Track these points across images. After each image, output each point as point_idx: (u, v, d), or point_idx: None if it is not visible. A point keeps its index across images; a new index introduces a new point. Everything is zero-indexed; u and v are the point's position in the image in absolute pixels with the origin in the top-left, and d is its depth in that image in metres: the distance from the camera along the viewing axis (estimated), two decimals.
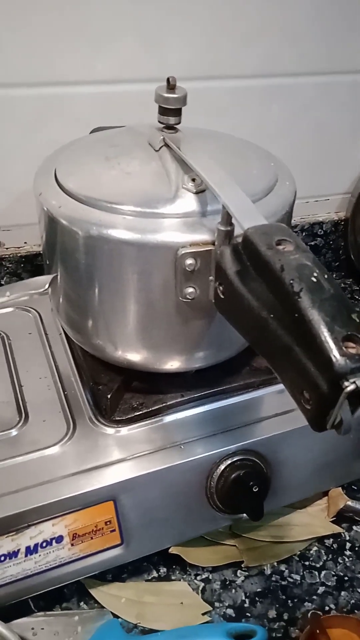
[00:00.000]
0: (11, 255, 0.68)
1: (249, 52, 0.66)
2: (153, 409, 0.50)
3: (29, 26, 0.57)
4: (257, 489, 0.47)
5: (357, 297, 0.86)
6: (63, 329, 0.58)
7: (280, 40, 0.67)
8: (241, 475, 0.47)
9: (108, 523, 0.45)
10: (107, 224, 0.41)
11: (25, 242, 0.69)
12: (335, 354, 0.28)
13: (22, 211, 0.66)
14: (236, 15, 0.64)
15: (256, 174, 0.47)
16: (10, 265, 0.69)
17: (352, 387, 0.27)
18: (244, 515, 0.49)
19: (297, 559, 0.51)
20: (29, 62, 0.59)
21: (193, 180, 0.43)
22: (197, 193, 0.42)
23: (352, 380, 0.28)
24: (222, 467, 0.47)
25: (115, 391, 0.50)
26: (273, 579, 0.50)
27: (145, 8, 0.60)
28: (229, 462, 0.47)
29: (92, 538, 0.44)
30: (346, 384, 0.28)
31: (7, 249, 0.68)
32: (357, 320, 0.29)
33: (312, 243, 0.84)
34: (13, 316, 0.61)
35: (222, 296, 0.39)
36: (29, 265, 0.69)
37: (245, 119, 0.71)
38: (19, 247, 0.69)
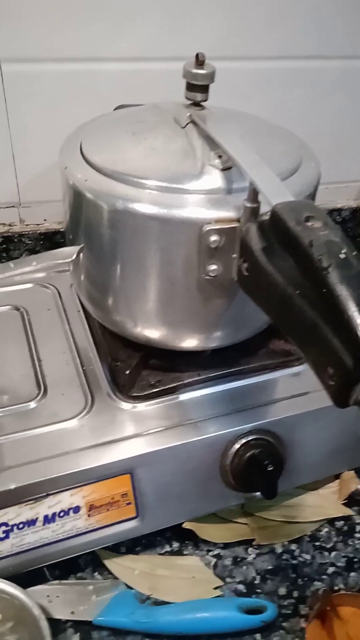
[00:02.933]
0: (30, 232, 0.69)
1: (272, 34, 0.66)
2: (170, 386, 0.50)
3: (54, 1, 0.57)
4: (271, 468, 0.47)
5: None
6: (82, 306, 0.58)
7: (303, 23, 0.66)
8: (256, 454, 0.47)
9: (124, 496, 0.45)
10: (133, 198, 0.41)
11: (44, 220, 0.69)
12: None
13: (42, 188, 0.66)
14: None
15: (282, 153, 0.47)
16: (29, 242, 0.69)
17: None
18: (257, 493, 0.49)
19: (308, 539, 0.52)
20: (53, 37, 0.59)
21: (219, 157, 0.43)
22: (223, 170, 0.42)
23: None
24: (237, 445, 0.48)
25: (133, 367, 0.51)
26: (284, 557, 0.50)
27: None
28: (244, 441, 0.48)
29: (108, 510, 0.45)
30: None
31: (26, 225, 0.69)
32: None
33: None
34: (32, 292, 0.62)
35: (246, 273, 0.39)
36: (48, 243, 0.69)
37: (266, 101, 0.70)
38: (38, 224, 0.69)
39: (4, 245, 0.68)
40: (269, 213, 0.35)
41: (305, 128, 0.73)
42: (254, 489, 0.49)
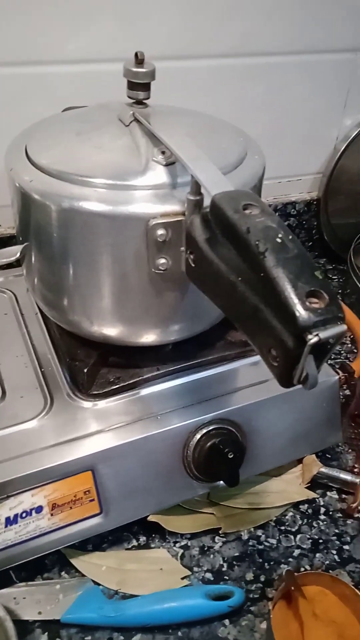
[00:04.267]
0: None
1: (226, 31, 0.66)
2: (129, 382, 0.51)
3: (4, 4, 0.57)
4: (232, 456, 0.48)
5: (330, 276, 0.87)
6: (39, 308, 0.58)
7: (257, 19, 0.67)
8: (216, 443, 0.48)
9: (87, 493, 0.45)
10: (79, 197, 0.42)
11: None
12: (298, 308, 0.29)
13: None
14: None
15: (225, 147, 0.48)
16: None
17: (315, 339, 0.29)
18: (221, 482, 0.50)
19: (273, 524, 0.53)
20: (4, 40, 0.59)
21: (163, 153, 0.43)
22: (166, 165, 0.43)
23: (315, 334, 0.29)
24: (197, 436, 0.48)
25: (91, 366, 0.51)
26: (250, 543, 0.51)
27: None
28: (204, 431, 0.49)
29: (71, 508, 0.45)
30: (310, 337, 0.29)
31: None
32: (320, 277, 0.30)
33: (286, 223, 0.85)
34: None
35: (192, 265, 0.40)
36: (3, 247, 0.68)
37: (223, 98, 0.71)
38: None
39: None
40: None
41: (261, 122, 0.75)
42: (216, 477, 0.50)
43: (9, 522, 0.43)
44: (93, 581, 0.47)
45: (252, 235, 0.32)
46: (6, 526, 0.43)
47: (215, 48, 0.68)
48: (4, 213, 0.67)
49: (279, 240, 0.32)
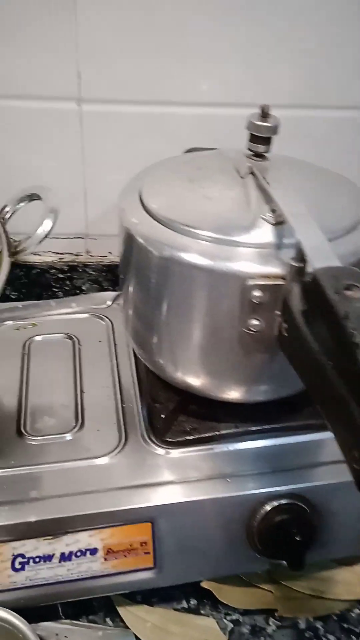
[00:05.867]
0: (95, 263, 0.70)
1: (357, 83, 0.64)
2: (205, 435, 0.49)
3: (139, 47, 0.59)
4: (299, 539, 0.44)
5: None
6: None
7: None
8: (285, 520, 0.45)
9: (143, 544, 0.44)
10: (180, 247, 0.41)
11: (109, 252, 0.70)
12: None
13: (110, 222, 0.67)
14: (345, 42, 0.62)
15: (342, 210, 0.45)
16: (93, 273, 0.71)
17: None
18: (284, 561, 0.47)
19: (336, 618, 0.48)
20: (136, 81, 0.61)
21: (273, 211, 0.42)
22: (275, 224, 0.41)
23: None
24: (267, 507, 0.45)
25: (170, 411, 0.50)
26: (306, 635, 0.47)
27: (251, 32, 0.60)
28: (275, 504, 0.45)
29: (125, 556, 0.44)
30: None
31: (92, 256, 0.71)
32: None
33: None
34: (87, 322, 0.63)
35: (285, 334, 0.38)
36: (111, 275, 0.71)
37: (347, 152, 0.68)
38: (103, 257, 0.71)
39: (69, 274, 0.71)
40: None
41: None
42: (280, 557, 0.47)
43: (64, 557, 0.43)
44: (135, 635, 0.45)
45: (349, 322, 0.29)
46: (60, 561, 0.43)
47: (343, 99, 0.65)
48: (115, 241, 0.69)
49: None
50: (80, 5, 0.56)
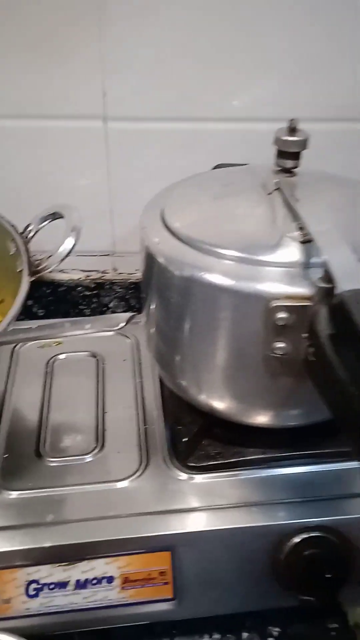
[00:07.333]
0: (122, 281, 0.70)
1: None
2: (230, 461, 0.47)
3: (165, 63, 0.59)
4: (330, 575, 0.42)
5: None
6: None
7: None
8: (315, 555, 0.42)
9: (162, 574, 0.43)
10: (202, 267, 0.40)
11: (136, 270, 0.70)
12: None
13: (137, 239, 0.67)
14: None
15: None
16: (120, 290, 0.70)
17: None
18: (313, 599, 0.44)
19: None
20: (169, 98, 0.60)
21: (301, 229, 0.40)
22: (302, 243, 0.40)
23: None
24: (296, 540, 0.43)
25: (194, 435, 0.49)
26: None
27: (283, 44, 0.59)
28: (304, 536, 0.43)
29: (143, 586, 0.43)
30: None
31: (119, 274, 0.70)
32: None
33: None
34: (112, 340, 0.62)
35: (312, 358, 0.36)
36: (137, 292, 0.70)
37: None
38: (130, 274, 0.70)
39: (96, 291, 0.70)
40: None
41: None
42: (309, 592, 0.44)
43: (79, 585, 0.42)
44: None
45: None
46: (75, 589, 0.42)
47: None
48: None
49: None
50: (105, 22, 0.56)
